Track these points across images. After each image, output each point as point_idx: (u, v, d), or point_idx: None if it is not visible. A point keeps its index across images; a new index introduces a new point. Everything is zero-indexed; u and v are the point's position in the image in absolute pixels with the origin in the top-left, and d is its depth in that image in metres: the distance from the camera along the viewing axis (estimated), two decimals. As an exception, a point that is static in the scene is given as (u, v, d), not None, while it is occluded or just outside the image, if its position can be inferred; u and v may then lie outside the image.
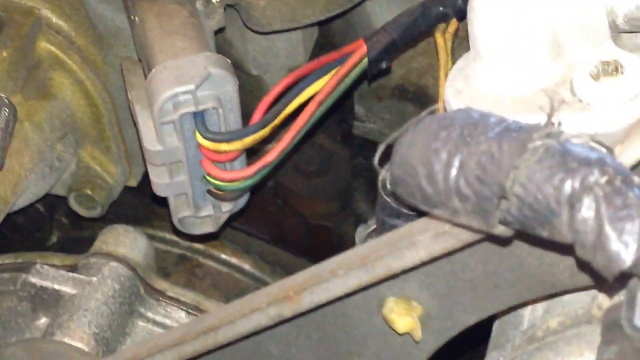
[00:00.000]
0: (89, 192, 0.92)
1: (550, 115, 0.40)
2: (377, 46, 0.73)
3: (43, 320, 0.85)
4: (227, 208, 0.75)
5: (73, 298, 0.82)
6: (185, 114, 0.68)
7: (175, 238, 0.97)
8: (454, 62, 0.68)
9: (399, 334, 0.51)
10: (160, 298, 0.86)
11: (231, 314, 0.54)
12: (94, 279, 0.83)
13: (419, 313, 0.50)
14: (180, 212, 0.74)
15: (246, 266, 1.01)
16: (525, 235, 0.38)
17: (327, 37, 0.94)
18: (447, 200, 0.39)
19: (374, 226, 0.65)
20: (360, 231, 0.67)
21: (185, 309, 0.87)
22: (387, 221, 0.51)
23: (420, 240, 0.45)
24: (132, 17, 0.80)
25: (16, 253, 0.91)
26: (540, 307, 0.51)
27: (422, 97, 0.95)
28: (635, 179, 0.36)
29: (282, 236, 1.04)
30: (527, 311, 0.52)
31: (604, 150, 0.41)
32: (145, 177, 0.86)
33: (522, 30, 0.52)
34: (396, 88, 0.92)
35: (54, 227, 1.04)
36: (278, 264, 1.03)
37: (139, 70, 0.76)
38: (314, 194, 1.00)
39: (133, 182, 0.95)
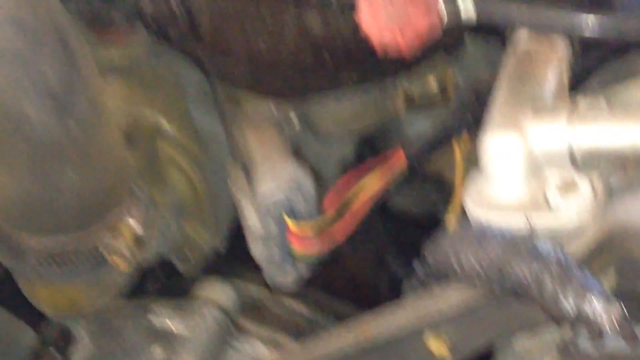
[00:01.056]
0: (187, 252, 1.20)
1: (529, 223, 0.67)
2: (413, 155, 1.01)
3: (158, 351, 1.12)
4: (305, 271, 1.03)
5: (184, 334, 1.10)
6: (280, 207, 0.96)
7: (249, 286, 1.24)
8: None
9: (435, 356, 0.78)
10: (247, 335, 1.13)
11: (326, 344, 0.81)
12: (199, 319, 1.11)
13: (448, 342, 0.77)
14: (271, 273, 1.01)
15: (304, 311, 1.28)
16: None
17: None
18: (468, 277, 0.66)
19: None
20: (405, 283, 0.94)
21: (264, 343, 1.14)
22: (426, 282, 0.78)
23: (449, 295, 0.73)
24: (228, 127, 1.09)
25: (132, 298, 1.18)
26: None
27: (441, 184, 1.22)
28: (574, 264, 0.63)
29: (331, 287, 1.31)
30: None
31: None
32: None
33: (514, 161, 0.79)
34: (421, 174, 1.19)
35: (149, 277, 1.31)
36: (329, 310, 1.30)
37: (238, 168, 1.03)
38: (356, 253, 1.27)
39: (221, 248, 1.22)
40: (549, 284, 0.62)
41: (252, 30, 0.92)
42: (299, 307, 1.23)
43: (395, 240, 1.25)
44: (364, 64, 0.95)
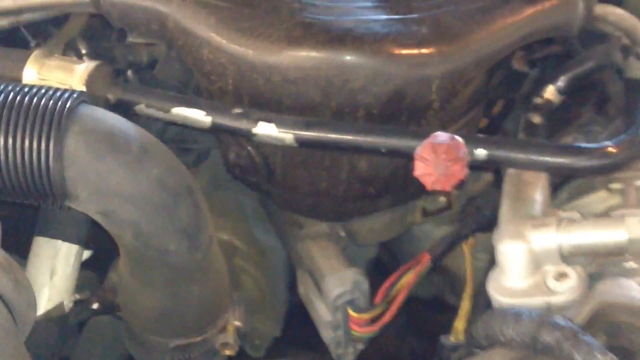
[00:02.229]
0: (256, 340, 1.51)
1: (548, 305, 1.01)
2: (436, 257, 1.34)
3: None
4: (361, 347, 1.35)
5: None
6: (346, 303, 1.29)
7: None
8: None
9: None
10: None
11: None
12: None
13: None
14: (337, 351, 1.33)
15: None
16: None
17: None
18: (510, 344, 0.98)
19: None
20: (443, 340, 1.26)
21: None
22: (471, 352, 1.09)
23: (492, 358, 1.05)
24: (290, 243, 1.41)
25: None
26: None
27: (447, 274, 1.54)
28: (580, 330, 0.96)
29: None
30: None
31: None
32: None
33: (522, 261, 1.11)
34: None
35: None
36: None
37: (305, 274, 1.35)
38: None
39: (278, 333, 1.53)
40: (566, 345, 0.95)
41: (315, 172, 1.24)
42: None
43: (410, 317, 1.58)
44: (397, 193, 1.29)
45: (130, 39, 1.32)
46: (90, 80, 1.19)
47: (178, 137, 1.42)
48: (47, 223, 1.23)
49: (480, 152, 1.10)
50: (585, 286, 1.08)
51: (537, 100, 1.26)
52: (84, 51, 1.35)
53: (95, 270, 1.37)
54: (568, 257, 1.10)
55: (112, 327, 1.37)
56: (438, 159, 1.04)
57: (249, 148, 1.24)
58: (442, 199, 1.36)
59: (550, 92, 1.27)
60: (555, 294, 1.08)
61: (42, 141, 1.03)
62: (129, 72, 1.40)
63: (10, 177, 1.04)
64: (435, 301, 1.55)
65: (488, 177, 1.42)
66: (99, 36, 1.40)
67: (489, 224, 1.33)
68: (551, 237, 1.10)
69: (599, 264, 1.12)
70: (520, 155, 1.12)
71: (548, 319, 0.98)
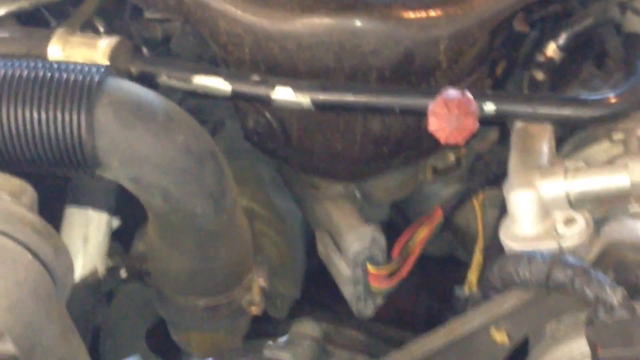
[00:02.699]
0: (278, 302, 1.57)
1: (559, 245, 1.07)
2: (447, 212, 1.40)
3: (274, 378, 1.48)
4: (380, 300, 1.41)
5: (292, 360, 1.46)
6: (365, 258, 1.35)
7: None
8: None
9: (497, 343, 1.15)
10: (334, 357, 1.50)
11: (420, 344, 1.18)
12: (301, 349, 1.47)
13: (506, 332, 1.14)
14: (358, 305, 1.39)
15: (362, 337, 1.64)
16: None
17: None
18: (525, 284, 1.04)
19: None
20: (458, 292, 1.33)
21: (348, 362, 1.51)
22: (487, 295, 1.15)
23: (506, 300, 1.11)
24: (308, 205, 1.47)
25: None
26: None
27: (457, 231, 1.60)
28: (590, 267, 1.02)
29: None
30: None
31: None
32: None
33: (532, 208, 1.17)
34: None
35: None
36: (380, 335, 1.67)
37: (324, 234, 1.41)
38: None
39: (298, 295, 1.59)
40: (578, 282, 1.00)
41: (330, 135, 1.30)
42: (357, 335, 1.61)
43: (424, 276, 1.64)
44: (408, 152, 1.35)
45: (148, 15, 1.37)
46: (113, 55, 1.25)
47: (195, 108, 1.48)
48: (78, 193, 1.29)
49: (489, 107, 1.16)
50: (592, 230, 1.14)
51: (540, 58, 1.32)
52: (101, 29, 1.40)
53: (119, 240, 1.43)
54: (575, 203, 1.16)
55: (141, 294, 1.42)
56: (451, 114, 1.10)
57: (267, 114, 1.30)
58: (451, 157, 1.42)
59: (552, 50, 1.33)
60: (564, 238, 1.13)
61: (74, 114, 1.08)
62: (144, 49, 1.45)
63: (45, 149, 1.09)
64: (447, 259, 1.61)
65: (493, 136, 1.48)
66: (114, 14, 1.45)
67: (497, 180, 1.40)
68: (559, 185, 1.15)
69: (604, 209, 1.18)
70: (527, 109, 1.18)
71: (560, 259, 1.04)
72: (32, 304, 1.08)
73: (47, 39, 1.27)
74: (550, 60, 1.33)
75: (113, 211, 1.30)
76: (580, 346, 1.08)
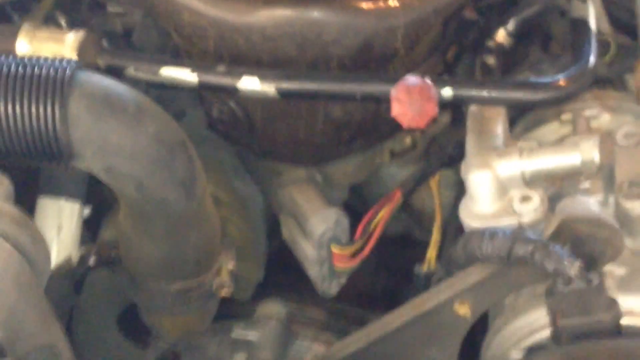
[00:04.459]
0: (243, 284, 1.61)
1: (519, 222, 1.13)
2: (407, 191, 1.45)
3: (240, 356, 1.52)
4: (344, 279, 1.46)
5: (259, 341, 1.50)
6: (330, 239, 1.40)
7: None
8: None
9: (461, 316, 1.21)
10: (299, 335, 1.55)
11: (384, 322, 1.23)
12: (268, 329, 1.51)
13: (470, 306, 1.20)
14: (323, 285, 1.44)
15: (323, 317, 1.69)
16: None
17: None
18: (488, 259, 1.10)
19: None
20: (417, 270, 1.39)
21: (313, 341, 1.55)
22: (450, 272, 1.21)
23: (469, 275, 1.17)
24: (271, 190, 1.51)
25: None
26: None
27: (412, 211, 1.66)
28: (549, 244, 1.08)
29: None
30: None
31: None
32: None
33: (489, 187, 1.22)
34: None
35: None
36: (341, 314, 1.72)
37: (288, 217, 1.46)
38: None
39: (261, 278, 1.64)
40: (538, 256, 1.07)
41: (293, 122, 1.35)
42: (320, 314, 1.66)
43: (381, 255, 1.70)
44: (368, 136, 1.40)
45: (110, 8, 1.41)
46: (81, 49, 1.28)
47: (156, 98, 1.51)
48: (49, 183, 1.32)
49: (447, 92, 1.22)
50: (546, 207, 1.20)
51: (490, 44, 1.38)
52: (63, 23, 1.43)
53: (86, 228, 1.47)
54: (530, 181, 1.22)
55: (110, 280, 1.46)
56: (412, 99, 1.15)
57: (231, 104, 1.34)
58: (408, 140, 1.47)
59: (502, 36, 1.39)
60: (521, 215, 1.19)
61: (48, 107, 1.12)
62: (104, 42, 1.48)
63: (21, 142, 1.13)
64: (403, 238, 1.67)
65: (445, 118, 1.53)
66: (72, 8, 1.49)
67: (451, 161, 1.46)
68: (514, 165, 1.21)
69: (557, 187, 1.25)
70: (482, 93, 1.24)
71: (521, 234, 1.10)
72: (14, 292, 1.12)
73: (14, 35, 1.30)
74: (500, 45, 1.39)
75: (84, 199, 1.34)
76: (539, 317, 1.14)
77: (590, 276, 1.07)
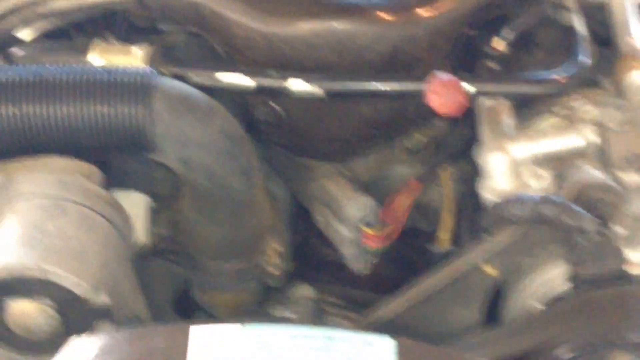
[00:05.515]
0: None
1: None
2: (425, 181, 1.67)
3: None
4: (375, 259, 1.67)
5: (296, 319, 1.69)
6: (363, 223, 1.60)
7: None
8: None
9: (489, 276, 1.41)
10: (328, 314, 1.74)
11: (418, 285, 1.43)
12: (304, 307, 1.70)
13: (497, 267, 1.40)
14: (357, 264, 1.64)
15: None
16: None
17: None
18: (519, 221, 1.32)
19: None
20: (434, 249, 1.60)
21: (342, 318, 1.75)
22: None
23: (495, 239, 1.37)
24: (303, 185, 1.71)
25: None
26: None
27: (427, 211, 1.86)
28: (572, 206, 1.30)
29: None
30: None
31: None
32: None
33: (506, 167, 1.44)
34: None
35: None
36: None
37: (322, 207, 1.66)
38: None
39: (292, 267, 1.82)
40: (563, 216, 1.29)
41: (329, 120, 1.56)
42: (339, 298, 1.86)
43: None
44: (391, 133, 1.62)
45: (161, 27, 1.60)
46: (149, 60, 1.48)
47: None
48: (121, 178, 1.50)
49: (470, 87, 1.44)
50: (557, 185, 1.42)
51: (493, 51, 1.60)
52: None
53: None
54: (540, 163, 1.44)
55: (165, 269, 1.63)
56: (447, 91, 1.37)
57: (276, 106, 1.55)
58: (422, 139, 1.69)
59: (502, 44, 1.61)
60: (535, 190, 1.41)
61: (138, 107, 1.31)
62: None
63: (112, 137, 1.32)
64: (409, 230, 1.87)
65: (444, 122, 1.75)
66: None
67: (456, 157, 1.68)
68: (527, 147, 1.44)
69: (560, 169, 1.47)
70: (499, 88, 1.46)
71: (547, 198, 1.32)
72: (115, 263, 1.31)
73: (86, 49, 1.49)
74: (501, 52, 1.61)
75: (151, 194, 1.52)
76: (556, 272, 1.36)
77: (604, 231, 1.30)
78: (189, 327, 1.08)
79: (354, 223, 1.58)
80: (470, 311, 1.42)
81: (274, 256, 1.53)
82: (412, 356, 1.08)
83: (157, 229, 1.62)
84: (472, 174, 1.53)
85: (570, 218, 1.29)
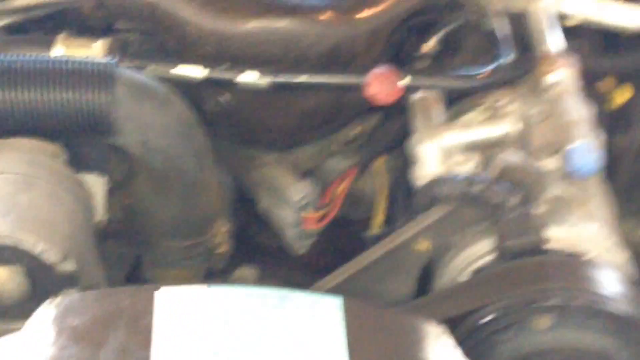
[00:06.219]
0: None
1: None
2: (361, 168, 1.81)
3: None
4: (312, 239, 1.80)
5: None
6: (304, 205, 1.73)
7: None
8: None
9: (421, 251, 1.55)
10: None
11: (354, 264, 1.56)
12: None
13: (429, 241, 1.54)
14: (297, 244, 1.77)
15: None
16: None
17: None
18: (448, 200, 1.46)
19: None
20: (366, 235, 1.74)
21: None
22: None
23: (427, 217, 1.51)
24: (249, 173, 1.84)
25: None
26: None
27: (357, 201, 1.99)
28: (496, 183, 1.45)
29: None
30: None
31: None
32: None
33: (438, 153, 1.58)
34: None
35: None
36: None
37: (267, 193, 1.79)
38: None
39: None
40: (488, 193, 1.43)
41: (273, 111, 1.69)
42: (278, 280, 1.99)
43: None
44: (331, 124, 1.76)
45: (119, 26, 1.72)
46: (108, 53, 1.60)
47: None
48: (80, 161, 1.61)
49: (406, 80, 1.59)
50: (482, 168, 1.57)
51: (424, 51, 1.75)
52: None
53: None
54: (467, 150, 1.59)
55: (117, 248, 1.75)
56: (386, 81, 1.52)
57: (227, 97, 1.68)
58: (357, 131, 1.83)
59: (432, 45, 1.76)
60: (460, 172, 1.56)
61: (100, 93, 1.43)
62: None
63: (77, 120, 1.44)
64: (341, 220, 2.01)
65: (376, 118, 1.90)
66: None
67: (387, 149, 1.83)
68: (456, 136, 1.59)
69: (485, 155, 1.62)
70: (431, 81, 1.61)
71: (473, 177, 1.46)
72: (81, 234, 1.42)
73: (50, 43, 1.60)
74: (429, 54, 1.76)
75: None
76: (483, 246, 1.50)
77: (526, 207, 1.45)
78: (154, 287, 1.17)
79: (294, 206, 1.71)
80: (404, 285, 1.56)
81: (219, 236, 1.65)
82: (357, 312, 1.19)
83: (111, 212, 1.74)
84: (403, 165, 1.68)
85: (495, 195, 1.43)
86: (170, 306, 1.13)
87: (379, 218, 1.78)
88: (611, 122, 1.79)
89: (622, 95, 1.88)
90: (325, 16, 1.62)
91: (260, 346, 1.09)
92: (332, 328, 1.13)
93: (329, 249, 2.06)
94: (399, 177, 1.75)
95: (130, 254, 1.70)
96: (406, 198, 1.67)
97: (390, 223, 1.75)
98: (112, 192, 1.62)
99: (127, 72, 1.48)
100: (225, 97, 1.68)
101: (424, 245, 1.52)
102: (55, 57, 1.52)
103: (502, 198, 1.43)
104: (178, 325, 1.10)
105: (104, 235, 1.66)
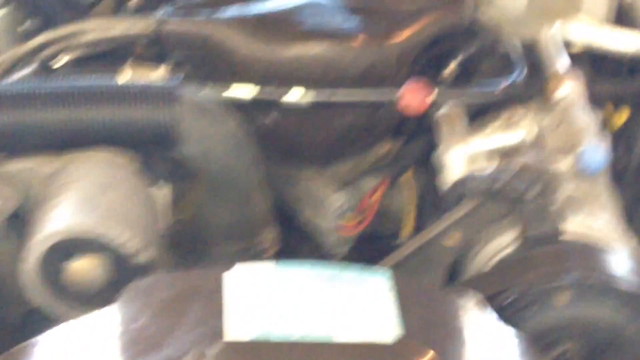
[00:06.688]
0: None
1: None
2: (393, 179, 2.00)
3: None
4: (349, 245, 1.98)
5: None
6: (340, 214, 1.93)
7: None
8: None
9: (449, 248, 1.73)
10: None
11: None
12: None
13: (458, 237, 1.72)
14: (335, 249, 1.96)
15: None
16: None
17: None
18: (478, 194, 1.65)
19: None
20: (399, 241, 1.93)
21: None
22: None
23: (457, 212, 1.70)
24: (289, 187, 2.04)
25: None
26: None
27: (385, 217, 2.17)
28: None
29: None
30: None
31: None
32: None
33: (464, 156, 1.77)
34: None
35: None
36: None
37: (306, 205, 1.99)
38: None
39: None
40: (509, 186, 1.62)
41: (314, 128, 1.89)
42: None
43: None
44: (365, 140, 1.96)
45: (172, 56, 1.93)
46: (169, 77, 1.81)
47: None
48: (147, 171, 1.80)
49: (435, 91, 1.80)
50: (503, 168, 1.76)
51: (447, 73, 1.96)
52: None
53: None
54: (490, 156, 1.79)
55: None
56: (417, 92, 1.73)
57: (273, 116, 1.88)
58: (387, 147, 2.03)
59: (450, 69, 1.97)
60: (486, 171, 1.75)
61: (165, 109, 1.64)
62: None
63: (145, 133, 1.64)
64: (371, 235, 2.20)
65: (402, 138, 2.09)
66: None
67: (416, 163, 2.02)
68: (477, 142, 1.79)
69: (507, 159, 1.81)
70: (456, 94, 1.82)
71: (496, 173, 1.66)
72: (155, 231, 1.61)
73: (115, 71, 1.82)
74: (449, 76, 1.97)
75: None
76: (506, 239, 1.69)
77: (544, 200, 1.64)
78: (226, 267, 1.30)
79: (333, 214, 1.91)
80: (433, 282, 1.74)
81: (268, 241, 1.84)
82: (404, 282, 1.36)
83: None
84: (429, 177, 1.88)
85: (515, 189, 1.63)
86: (238, 282, 1.27)
87: (408, 228, 1.96)
88: (612, 143, 1.97)
89: (620, 118, 2.06)
90: (358, 41, 1.83)
91: (322, 314, 1.22)
92: (384, 296, 1.24)
93: (359, 262, 2.25)
94: (426, 188, 1.94)
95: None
96: (434, 208, 1.86)
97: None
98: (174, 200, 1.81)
99: (188, 92, 1.68)
100: (271, 117, 1.87)
101: (453, 241, 1.70)
102: (127, 80, 1.73)
103: (522, 192, 1.63)
104: (246, 297, 1.23)
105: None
